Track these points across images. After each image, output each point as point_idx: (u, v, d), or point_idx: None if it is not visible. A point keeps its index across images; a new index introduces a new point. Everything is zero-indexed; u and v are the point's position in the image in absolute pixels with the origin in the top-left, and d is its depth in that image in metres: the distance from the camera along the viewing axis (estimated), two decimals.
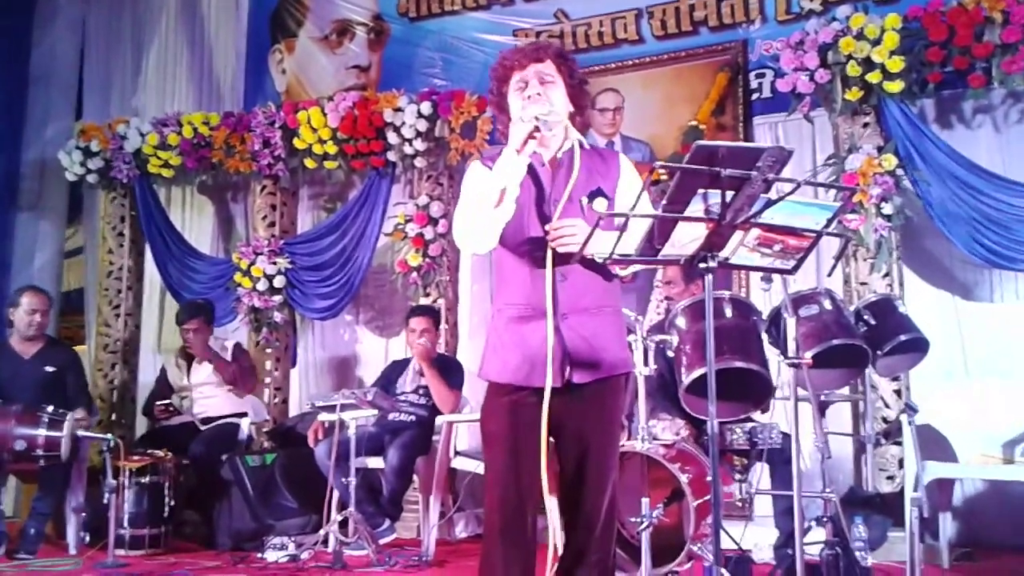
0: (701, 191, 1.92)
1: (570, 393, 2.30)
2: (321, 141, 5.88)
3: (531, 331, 2.30)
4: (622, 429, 3.23)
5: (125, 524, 4.68)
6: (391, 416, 4.91)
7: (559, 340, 2.27)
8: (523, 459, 2.31)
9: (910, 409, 3.39)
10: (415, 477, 4.83)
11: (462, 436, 4.95)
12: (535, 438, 2.28)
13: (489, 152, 2.52)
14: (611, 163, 2.42)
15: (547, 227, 2.26)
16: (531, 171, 2.32)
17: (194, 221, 6.81)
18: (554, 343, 2.26)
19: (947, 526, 4.13)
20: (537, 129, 2.23)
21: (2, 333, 5.27)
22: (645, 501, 3.20)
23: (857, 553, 3.42)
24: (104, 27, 7.29)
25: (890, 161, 4.62)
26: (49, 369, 5.00)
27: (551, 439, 2.39)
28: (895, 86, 4.63)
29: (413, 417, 4.92)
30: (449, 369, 5.05)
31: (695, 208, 1.95)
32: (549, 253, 2.26)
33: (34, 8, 7.17)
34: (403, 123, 5.63)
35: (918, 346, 3.85)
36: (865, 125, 4.80)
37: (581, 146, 2.39)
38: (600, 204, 2.31)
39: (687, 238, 2.03)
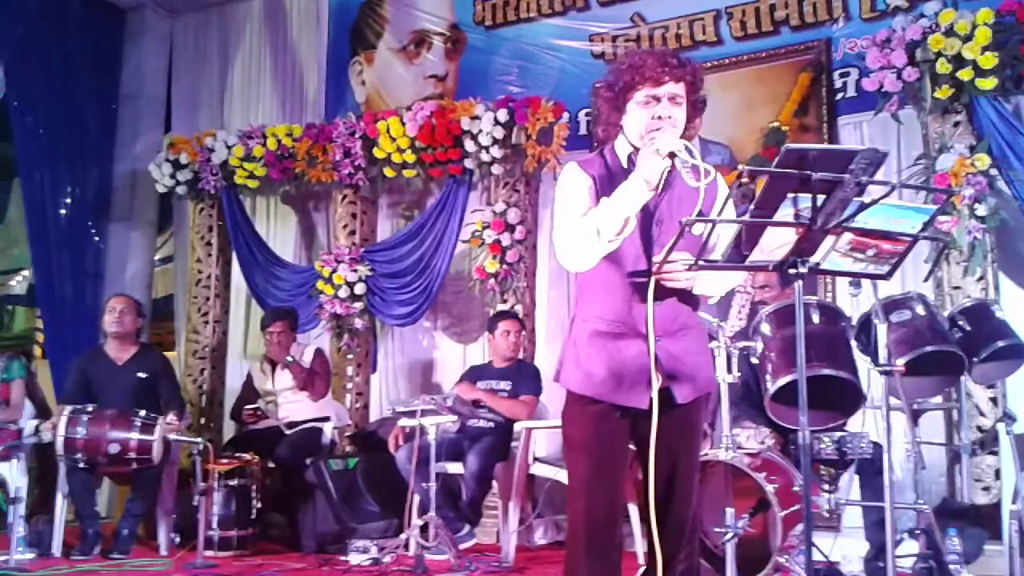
0: (791, 195, 1.88)
1: (659, 411, 2.29)
2: (400, 150, 5.95)
3: (622, 349, 2.30)
4: (705, 438, 3.20)
5: (214, 526, 4.78)
6: (470, 422, 4.94)
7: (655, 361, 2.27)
8: (610, 470, 2.31)
9: (1008, 418, 3.27)
10: (494, 483, 4.84)
11: (541, 442, 4.94)
12: (622, 451, 2.31)
13: (584, 159, 2.45)
14: (709, 183, 2.29)
15: (655, 259, 2.23)
16: None
17: (278, 230, 6.95)
18: (646, 364, 2.26)
19: None
20: (673, 167, 2.16)
21: (98, 341, 5.47)
22: (730, 511, 3.15)
23: (951, 567, 3.31)
24: (191, 43, 7.53)
25: (983, 161, 4.45)
26: (142, 375, 5.14)
27: (633, 448, 2.39)
28: (988, 83, 4.45)
29: (492, 423, 4.94)
30: (527, 376, 5.07)
31: (784, 213, 1.91)
32: (652, 279, 2.23)
33: (124, 26, 7.43)
34: (480, 131, 5.65)
35: (1016, 353, 3.70)
36: (956, 124, 4.64)
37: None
38: (698, 228, 2.21)
39: (776, 243, 1.99)
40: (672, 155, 2.14)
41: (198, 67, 7.47)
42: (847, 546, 3.86)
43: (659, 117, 2.25)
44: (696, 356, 2.36)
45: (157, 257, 7.74)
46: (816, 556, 3.33)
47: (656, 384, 2.24)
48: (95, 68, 7.15)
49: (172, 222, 7.50)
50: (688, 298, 2.35)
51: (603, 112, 2.37)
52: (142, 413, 4.78)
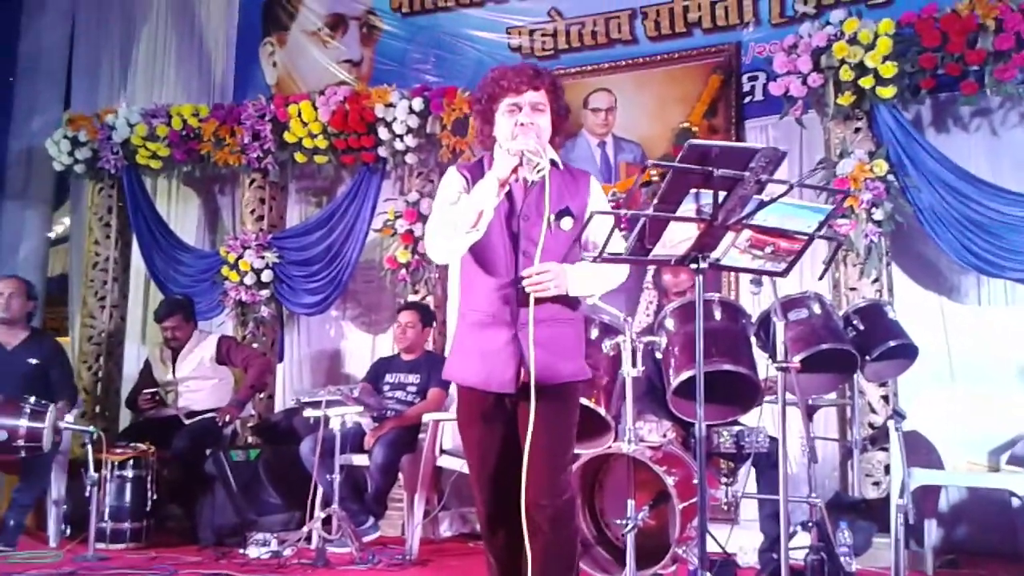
0: (693, 191, 1.91)
1: (526, 398, 2.34)
2: (311, 135, 5.84)
3: (490, 338, 2.40)
4: (609, 431, 3.23)
5: (106, 517, 4.65)
6: (377, 413, 4.88)
7: (517, 348, 2.36)
8: (492, 456, 2.44)
9: (897, 415, 3.38)
10: (400, 475, 4.79)
11: (448, 434, 4.92)
12: (498, 441, 2.42)
13: (466, 162, 2.58)
14: (581, 183, 2.50)
15: (523, 273, 2.35)
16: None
17: (180, 213, 6.76)
18: (512, 351, 2.36)
19: (932, 533, 4.13)
20: (521, 164, 2.29)
21: None
22: (630, 503, 3.19)
23: (842, 559, 3.42)
24: (94, 15, 7.21)
25: (881, 167, 4.61)
26: (33, 361, 4.95)
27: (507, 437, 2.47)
28: (887, 91, 4.62)
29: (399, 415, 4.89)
30: (437, 368, 5.03)
31: (687, 208, 1.94)
32: (516, 259, 2.36)
33: None
34: (394, 119, 5.60)
35: (907, 352, 3.85)
36: (857, 130, 4.80)
37: (555, 166, 2.46)
38: (566, 223, 2.40)
39: (678, 238, 2.02)
40: (522, 154, 2.28)
41: (101, 40, 7.17)
42: (743, 537, 3.96)
43: (521, 124, 2.40)
44: (559, 346, 2.41)
45: (52, 235, 7.42)
46: (712, 547, 3.40)
47: (533, 366, 2.31)
48: None
49: (69, 199, 7.20)
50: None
51: (476, 125, 2.55)
52: (32, 400, 4.59)
